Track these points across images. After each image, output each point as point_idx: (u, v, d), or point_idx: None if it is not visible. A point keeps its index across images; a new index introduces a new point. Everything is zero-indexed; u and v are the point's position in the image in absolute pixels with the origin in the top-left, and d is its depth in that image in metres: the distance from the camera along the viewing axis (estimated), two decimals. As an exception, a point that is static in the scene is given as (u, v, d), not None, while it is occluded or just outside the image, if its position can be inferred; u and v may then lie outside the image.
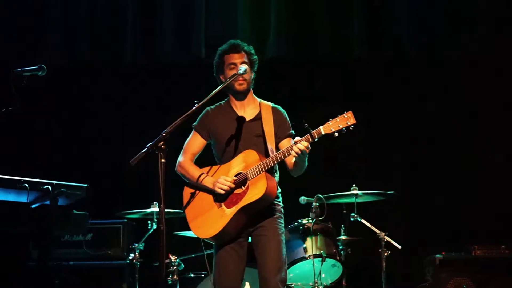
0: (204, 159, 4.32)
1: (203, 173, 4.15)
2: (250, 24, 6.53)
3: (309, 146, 3.79)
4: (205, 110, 4.27)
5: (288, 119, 4.24)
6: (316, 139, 3.78)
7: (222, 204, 4.06)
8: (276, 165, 4.07)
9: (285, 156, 3.89)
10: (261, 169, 3.93)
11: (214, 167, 4.20)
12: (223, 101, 4.30)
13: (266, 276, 3.99)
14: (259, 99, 4.28)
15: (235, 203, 4.00)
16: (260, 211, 4.03)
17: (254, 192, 3.94)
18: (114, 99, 6.98)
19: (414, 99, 6.76)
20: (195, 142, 4.27)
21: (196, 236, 5.56)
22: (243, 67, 4.07)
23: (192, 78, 6.78)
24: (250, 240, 4.18)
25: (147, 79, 7.03)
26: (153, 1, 6.88)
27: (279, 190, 4.19)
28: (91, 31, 6.86)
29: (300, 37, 6.74)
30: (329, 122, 3.78)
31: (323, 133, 3.76)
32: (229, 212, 4.00)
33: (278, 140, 4.15)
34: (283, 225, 4.17)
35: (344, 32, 6.68)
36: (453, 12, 6.56)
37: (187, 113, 3.69)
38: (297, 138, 3.83)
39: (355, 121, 3.76)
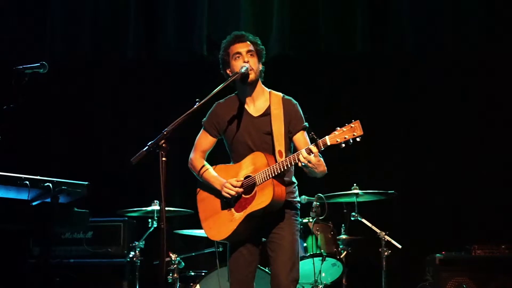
0: (218, 156, 4.23)
1: (213, 173, 4.06)
2: (253, 22, 6.52)
3: (316, 156, 3.63)
4: (214, 104, 4.14)
5: (300, 111, 4.04)
6: (322, 149, 3.64)
7: (232, 207, 3.97)
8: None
9: (291, 164, 3.75)
10: (269, 175, 3.80)
11: (226, 166, 4.09)
12: (233, 94, 4.15)
13: (278, 275, 3.91)
14: (269, 90, 4.09)
15: (243, 208, 3.90)
16: (272, 213, 3.90)
17: (261, 200, 3.83)
18: (116, 97, 6.99)
19: (416, 97, 6.76)
20: (204, 140, 4.15)
21: (195, 235, 5.65)
22: (245, 65, 3.93)
23: (194, 76, 6.78)
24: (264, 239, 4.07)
25: (149, 77, 7.03)
26: (155, -2, 6.90)
27: (296, 183, 4.08)
28: (93, 29, 6.86)
29: (303, 34, 6.72)
30: (335, 132, 3.61)
31: (328, 143, 3.61)
32: (237, 217, 3.92)
33: (291, 135, 3.98)
34: (298, 221, 4.05)
35: (347, 29, 6.68)
36: (455, 10, 6.57)
37: (189, 111, 3.66)
38: (303, 149, 3.66)
39: (362, 132, 3.57)
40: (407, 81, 6.78)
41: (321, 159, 3.76)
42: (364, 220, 5.59)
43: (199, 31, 6.71)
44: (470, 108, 6.65)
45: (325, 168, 3.83)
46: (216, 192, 4.03)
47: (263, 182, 3.84)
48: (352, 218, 5.62)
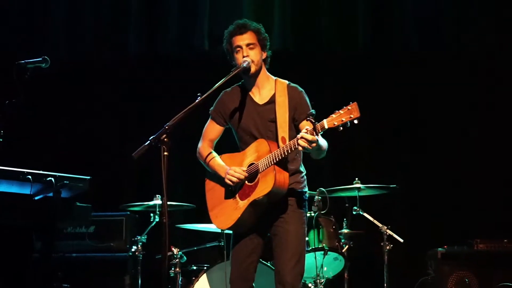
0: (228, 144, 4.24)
1: (219, 162, 4.07)
2: (255, 17, 6.50)
3: (315, 139, 3.60)
4: (221, 93, 4.14)
5: (306, 98, 4.02)
6: (321, 133, 3.62)
7: (237, 195, 3.97)
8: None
9: (292, 149, 3.73)
10: (271, 161, 3.80)
11: (231, 155, 4.10)
12: (239, 83, 4.15)
13: (280, 271, 3.91)
14: (275, 78, 4.08)
15: (247, 195, 3.90)
16: (277, 202, 3.90)
17: (263, 186, 3.83)
18: (117, 92, 6.99)
19: (418, 94, 6.75)
20: (212, 129, 4.17)
21: (197, 229, 5.67)
22: (246, 60, 3.93)
23: (195, 71, 6.78)
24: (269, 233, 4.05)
25: (150, 72, 7.03)
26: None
27: (304, 173, 4.06)
28: (94, 25, 6.87)
29: (305, 30, 6.72)
30: (332, 115, 3.59)
31: (326, 127, 3.58)
32: (242, 205, 3.92)
33: (296, 122, 3.95)
34: (305, 213, 4.03)
35: (349, 27, 6.68)
36: (457, 9, 6.56)
37: (190, 106, 3.67)
38: (303, 130, 3.63)
39: (359, 114, 3.52)
40: (409, 79, 6.77)
41: (321, 139, 3.73)
42: (366, 214, 5.59)
43: (201, 27, 6.71)
44: (472, 105, 6.64)
45: (325, 146, 3.82)
46: (222, 181, 4.03)
47: (265, 169, 3.84)
48: (354, 212, 5.63)
